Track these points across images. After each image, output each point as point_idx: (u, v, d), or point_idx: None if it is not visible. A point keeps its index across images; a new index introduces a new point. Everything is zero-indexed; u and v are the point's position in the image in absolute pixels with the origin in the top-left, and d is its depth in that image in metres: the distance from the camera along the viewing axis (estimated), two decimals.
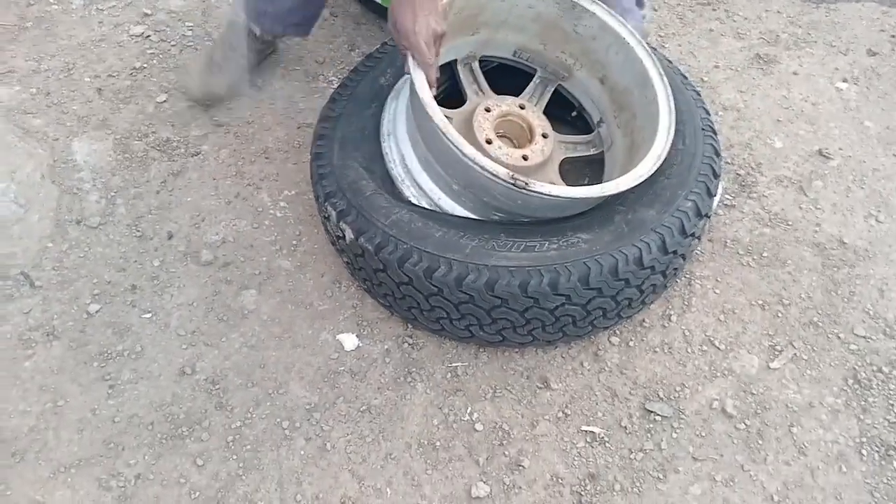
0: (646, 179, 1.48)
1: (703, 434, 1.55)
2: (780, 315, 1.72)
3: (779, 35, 2.30)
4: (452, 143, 1.40)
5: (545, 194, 1.40)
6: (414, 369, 1.64)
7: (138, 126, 2.05)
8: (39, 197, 1.87)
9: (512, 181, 1.38)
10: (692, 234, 1.55)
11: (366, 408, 1.59)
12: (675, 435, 1.55)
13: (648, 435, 1.55)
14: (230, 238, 1.85)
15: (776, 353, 1.66)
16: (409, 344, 1.67)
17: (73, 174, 1.94)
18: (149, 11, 2.34)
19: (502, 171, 1.39)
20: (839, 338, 1.68)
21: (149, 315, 1.72)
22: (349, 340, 1.68)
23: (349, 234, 1.54)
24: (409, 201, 1.60)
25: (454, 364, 1.64)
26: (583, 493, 1.48)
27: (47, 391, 1.60)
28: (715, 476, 1.50)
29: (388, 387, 1.62)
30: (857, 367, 1.63)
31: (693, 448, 1.53)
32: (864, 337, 1.67)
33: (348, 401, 1.60)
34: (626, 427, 1.56)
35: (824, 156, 2.00)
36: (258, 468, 1.51)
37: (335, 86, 2.15)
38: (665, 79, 1.63)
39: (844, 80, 2.17)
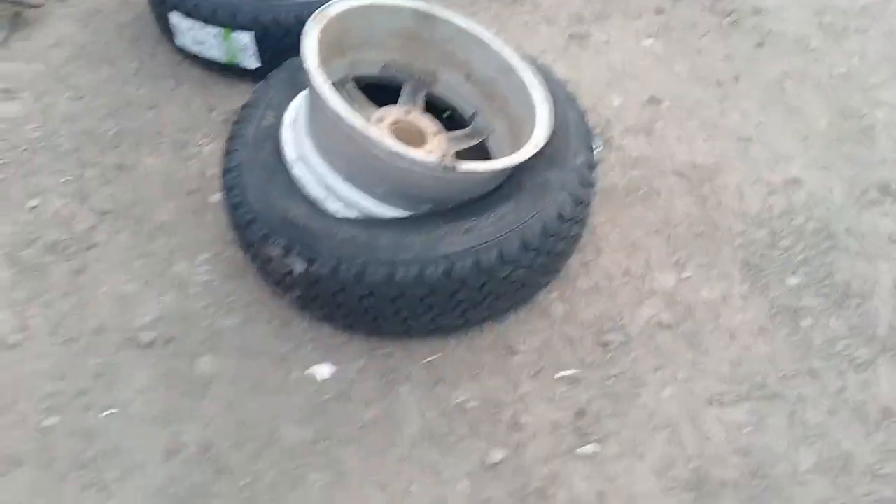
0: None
1: (654, 347, 1.77)
2: (672, 235, 1.99)
3: (582, 14, 2.64)
4: (383, 146, 1.51)
5: (474, 171, 1.56)
6: (392, 376, 1.71)
7: (20, 236, 1.94)
8: None
9: (442, 166, 1.52)
10: (590, 184, 1.77)
11: (362, 424, 1.64)
12: (632, 355, 1.75)
13: (612, 363, 1.74)
14: (162, 315, 1.81)
15: (682, 265, 1.93)
16: (379, 354, 1.75)
17: None
18: None
19: (432, 159, 1.53)
20: (724, 239, 1.98)
21: (109, 412, 1.65)
22: (321, 370, 1.72)
23: (298, 268, 1.59)
24: (336, 216, 1.67)
25: (427, 359, 1.74)
26: (580, 427, 1.64)
27: None
28: (677, 377, 1.72)
29: (375, 399, 1.68)
30: (746, 257, 1.94)
31: (651, 361, 1.75)
32: (741, 232, 1.99)
33: (344, 423, 1.64)
34: (592, 363, 1.74)
35: (655, 101, 2.34)
36: None
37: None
38: (526, 62, 1.85)
39: (648, 38, 2.54)
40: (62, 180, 2.08)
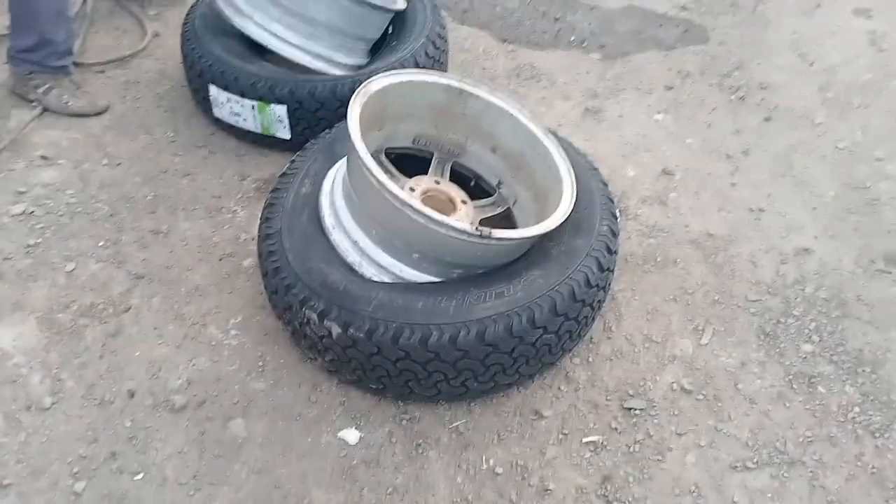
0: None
1: (676, 412, 1.81)
2: (689, 303, 2.05)
3: (596, 90, 2.76)
4: (423, 214, 1.58)
5: (507, 238, 1.63)
6: (420, 440, 1.75)
7: (56, 299, 2.00)
8: None
9: (478, 233, 1.59)
10: (614, 252, 1.84)
11: (392, 489, 1.67)
12: (656, 421, 1.79)
13: (636, 428, 1.78)
14: (195, 378, 1.86)
15: (700, 332, 1.98)
16: (407, 419, 1.78)
17: (6, 362, 1.85)
18: (22, 189, 2.30)
19: (468, 227, 1.60)
20: (739, 307, 2.04)
21: (141, 475, 1.67)
22: (351, 435, 1.76)
23: (336, 330, 1.65)
24: (372, 281, 1.74)
25: (454, 424, 1.78)
26: (606, 494, 1.66)
27: None
28: (699, 442, 1.75)
29: (404, 464, 1.71)
30: (762, 325, 1.99)
31: (674, 427, 1.78)
32: (756, 301, 2.05)
33: (374, 489, 1.67)
34: (616, 428, 1.78)
35: (668, 173, 2.43)
36: None
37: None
38: (550, 135, 1.94)
39: (659, 113, 2.66)
40: (99, 244, 2.16)
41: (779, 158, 2.49)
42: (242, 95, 2.33)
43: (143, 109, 2.65)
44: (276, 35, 2.42)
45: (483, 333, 1.61)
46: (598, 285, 1.76)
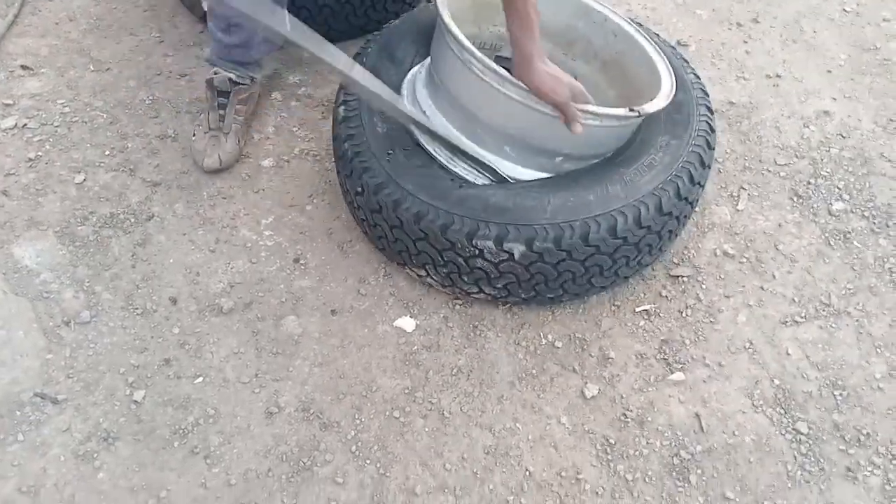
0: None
1: (722, 276, 1.84)
2: (721, 170, 2.06)
3: None
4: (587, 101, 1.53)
5: (650, 111, 1.58)
6: (477, 322, 1.74)
7: (71, 212, 1.89)
8: (11, 314, 1.69)
9: (636, 112, 1.55)
10: (710, 147, 1.74)
11: (456, 370, 1.67)
12: (703, 286, 1.82)
13: (685, 294, 1.80)
14: (236, 281, 1.80)
15: (735, 198, 2.00)
16: (460, 304, 1.77)
17: (33, 279, 1.76)
18: (8, 101, 2.13)
19: (622, 111, 1.56)
20: (769, 171, 2.05)
21: (201, 379, 1.64)
22: (406, 323, 1.74)
23: (518, 250, 1.55)
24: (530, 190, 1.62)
25: (507, 304, 1.77)
26: (665, 357, 1.70)
27: (141, 490, 1.48)
28: (748, 302, 1.79)
29: (464, 346, 1.71)
30: (793, 187, 2.02)
31: (721, 290, 1.81)
32: (785, 164, 2.07)
33: (438, 371, 1.67)
34: (665, 296, 1.80)
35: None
36: (396, 460, 1.53)
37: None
38: (631, 23, 1.84)
39: None
40: (105, 153, 2.03)
41: (788, 24, 2.47)
42: None
43: (120, 11, 2.45)
44: None
45: (614, 227, 1.55)
46: (708, 165, 1.72)
